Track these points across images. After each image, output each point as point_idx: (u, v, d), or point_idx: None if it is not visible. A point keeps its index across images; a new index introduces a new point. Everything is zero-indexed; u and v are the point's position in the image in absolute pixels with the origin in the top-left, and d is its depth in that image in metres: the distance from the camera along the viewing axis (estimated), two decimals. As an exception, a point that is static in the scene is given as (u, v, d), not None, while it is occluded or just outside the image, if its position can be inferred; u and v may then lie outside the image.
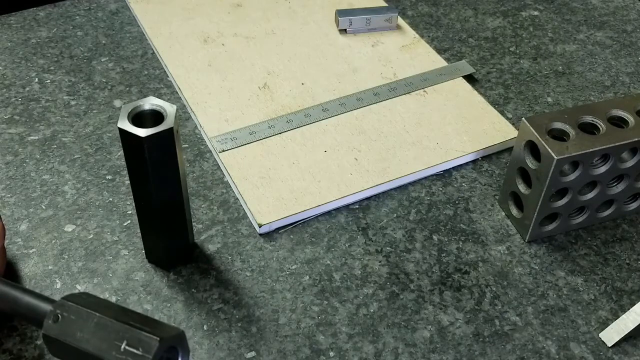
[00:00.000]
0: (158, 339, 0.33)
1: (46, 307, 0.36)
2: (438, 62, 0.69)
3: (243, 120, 0.62)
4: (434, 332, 0.48)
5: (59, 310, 0.35)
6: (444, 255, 0.53)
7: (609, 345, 0.48)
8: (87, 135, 0.61)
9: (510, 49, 0.72)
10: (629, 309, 0.48)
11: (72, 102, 0.64)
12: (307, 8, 0.75)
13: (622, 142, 0.49)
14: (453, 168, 0.60)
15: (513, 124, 0.63)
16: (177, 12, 0.74)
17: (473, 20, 0.76)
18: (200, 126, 0.61)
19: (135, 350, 0.33)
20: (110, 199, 0.56)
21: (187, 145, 0.61)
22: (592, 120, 0.51)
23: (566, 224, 0.54)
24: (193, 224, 0.54)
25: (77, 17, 0.74)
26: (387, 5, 0.75)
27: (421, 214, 0.56)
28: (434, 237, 0.54)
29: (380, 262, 0.52)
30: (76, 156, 0.59)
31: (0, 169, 0.58)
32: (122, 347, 0.33)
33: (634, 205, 0.56)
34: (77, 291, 0.49)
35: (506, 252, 0.53)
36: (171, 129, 0.42)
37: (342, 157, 0.59)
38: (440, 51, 0.71)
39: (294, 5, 0.76)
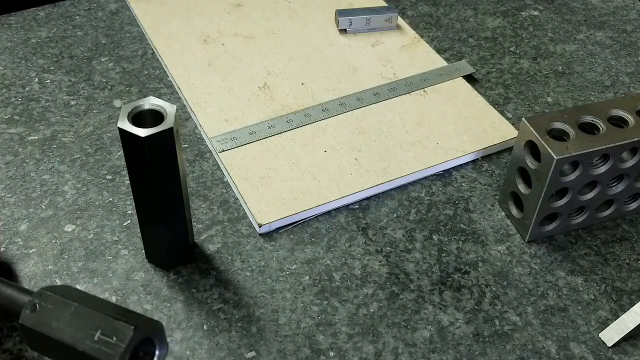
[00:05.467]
0: (132, 327, 0.32)
1: (26, 298, 0.36)
2: (438, 62, 0.69)
3: (243, 120, 0.62)
4: (434, 332, 0.48)
5: (37, 300, 0.35)
6: (444, 255, 0.53)
7: (609, 345, 0.48)
8: (87, 135, 0.61)
9: (510, 49, 0.72)
10: (629, 309, 0.48)
11: (72, 102, 0.64)
12: (307, 8, 0.75)
13: (622, 142, 0.49)
14: (453, 168, 0.60)
15: (513, 124, 0.63)
16: (177, 12, 0.74)
17: (473, 20, 0.76)
18: (200, 126, 0.61)
19: (109, 339, 0.32)
20: (110, 199, 0.56)
21: (187, 145, 0.61)
22: (592, 120, 0.51)
23: (566, 224, 0.54)
24: (193, 224, 0.54)
25: (77, 17, 0.74)
26: (387, 5, 0.75)
27: (421, 214, 0.56)
28: (434, 237, 0.54)
29: (380, 262, 0.52)
30: (76, 156, 0.59)
31: (0, 169, 0.58)
32: (97, 336, 0.33)
33: (634, 205, 0.56)
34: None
35: (506, 252, 0.53)
36: (171, 129, 0.42)
37: (342, 157, 0.59)
38: (440, 51, 0.71)
39: (294, 5, 0.76)
